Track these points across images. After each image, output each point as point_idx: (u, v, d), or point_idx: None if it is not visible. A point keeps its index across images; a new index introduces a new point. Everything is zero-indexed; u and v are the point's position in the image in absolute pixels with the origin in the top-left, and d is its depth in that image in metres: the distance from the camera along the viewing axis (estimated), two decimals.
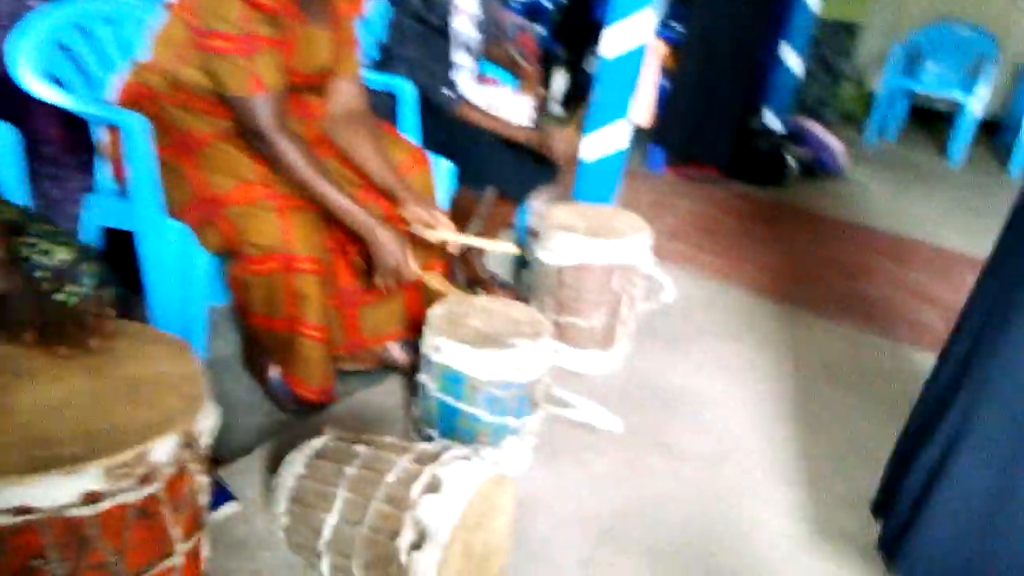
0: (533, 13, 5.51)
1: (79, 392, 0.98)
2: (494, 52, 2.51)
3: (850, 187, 4.15)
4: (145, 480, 0.93)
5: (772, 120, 4.20)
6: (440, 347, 1.49)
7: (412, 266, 1.59)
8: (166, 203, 1.56)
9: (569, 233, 1.91)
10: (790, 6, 4.04)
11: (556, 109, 4.77)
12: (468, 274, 2.39)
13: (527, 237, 2.61)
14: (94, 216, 1.73)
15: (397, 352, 1.88)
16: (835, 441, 1.87)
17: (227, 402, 1.72)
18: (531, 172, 2.21)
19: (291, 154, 1.50)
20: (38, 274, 1.17)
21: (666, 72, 3.92)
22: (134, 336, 1.12)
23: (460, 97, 2.19)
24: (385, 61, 2.23)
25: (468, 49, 2.30)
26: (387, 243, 1.57)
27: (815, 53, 4.97)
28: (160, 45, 1.58)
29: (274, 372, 1.71)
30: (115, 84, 1.69)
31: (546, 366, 1.56)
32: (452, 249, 1.75)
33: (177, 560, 1.02)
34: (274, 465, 1.53)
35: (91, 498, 0.88)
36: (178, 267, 1.58)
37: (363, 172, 1.72)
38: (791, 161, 3.99)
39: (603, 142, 2.34)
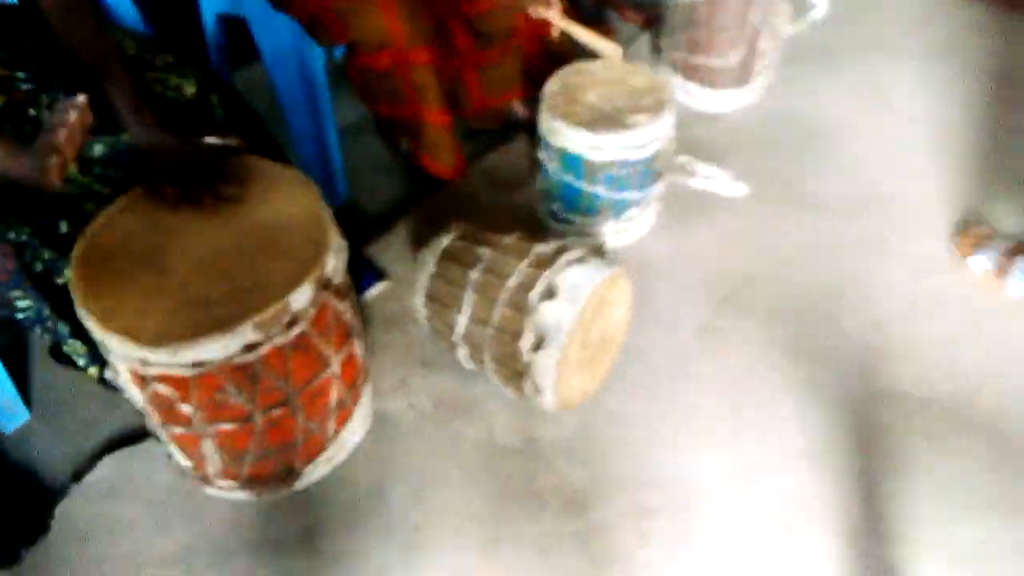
0: None
1: (222, 247, 1.10)
2: None
3: None
4: (292, 323, 1.06)
5: None
6: (557, 129, 1.46)
7: None
8: None
9: None
10: None
11: None
12: None
13: None
14: (210, 1, 1.73)
15: (521, 110, 1.85)
16: (1007, 186, 1.67)
17: (362, 170, 1.84)
18: None
19: None
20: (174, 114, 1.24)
21: None
22: (261, 176, 1.19)
23: None
24: None
25: None
26: None
27: None
28: None
29: (405, 145, 1.76)
30: None
31: (668, 138, 1.50)
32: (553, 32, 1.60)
33: (334, 368, 1.19)
34: (416, 239, 1.67)
35: (250, 348, 1.03)
36: (297, 62, 1.59)
37: None
38: None
39: None
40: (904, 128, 1.84)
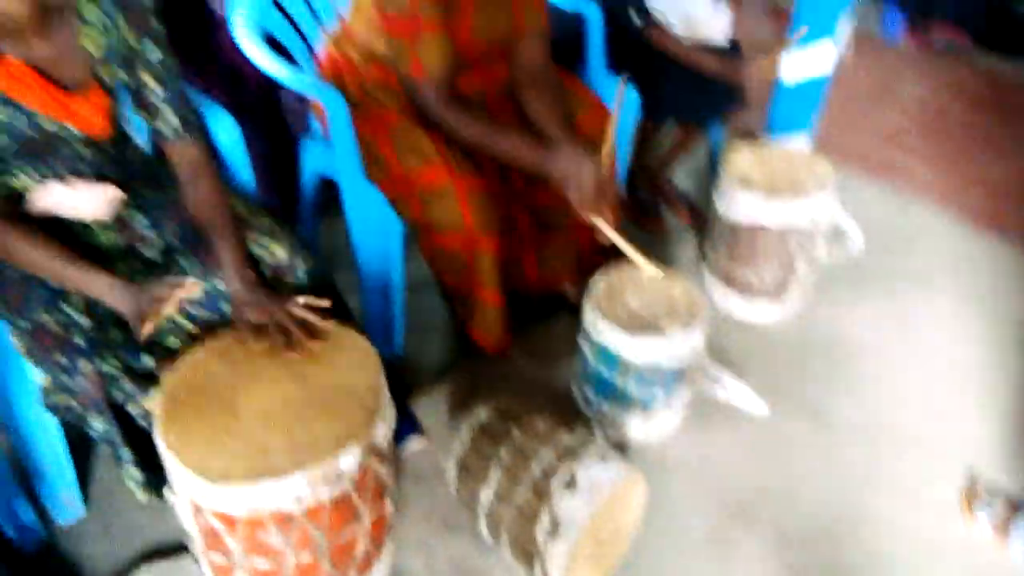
0: None
1: (289, 401, 1.24)
2: None
3: None
4: (337, 481, 1.19)
5: None
6: (597, 325, 1.61)
7: (608, 184, 1.61)
8: (367, 172, 1.75)
9: (745, 190, 1.88)
10: None
11: None
12: (653, 188, 2.43)
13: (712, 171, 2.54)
14: (310, 162, 1.97)
15: (571, 292, 2.02)
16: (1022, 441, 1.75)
17: (420, 325, 2.01)
18: (718, 100, 2.14)
19: (459, 124, 1.61)
20: (263, 272, 1.43)
21: None
22: (334, 339, 1.35)
23: (650, 20, 2.12)
24: None
25: None
26: (566, 167, 1.57)
27: None
28: (355, 8, 1.70)
29: (460, 312, 1.93)
30: (322, 44, 1.84)
31: (698, 348, 1.64)
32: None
33: (365, 523, 1.30)
34: (456, 403, 1.80)
35: (297, 499, 1.15)
36: (378, 228, 1.79)
37: (539, 130, 1.77)
38: None
39: (804, 64, 2.17)
40: (929, 363, 1.94)
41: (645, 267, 1.68)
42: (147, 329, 1.26)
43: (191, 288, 1.29)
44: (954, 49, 3.45)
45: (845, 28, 2.16)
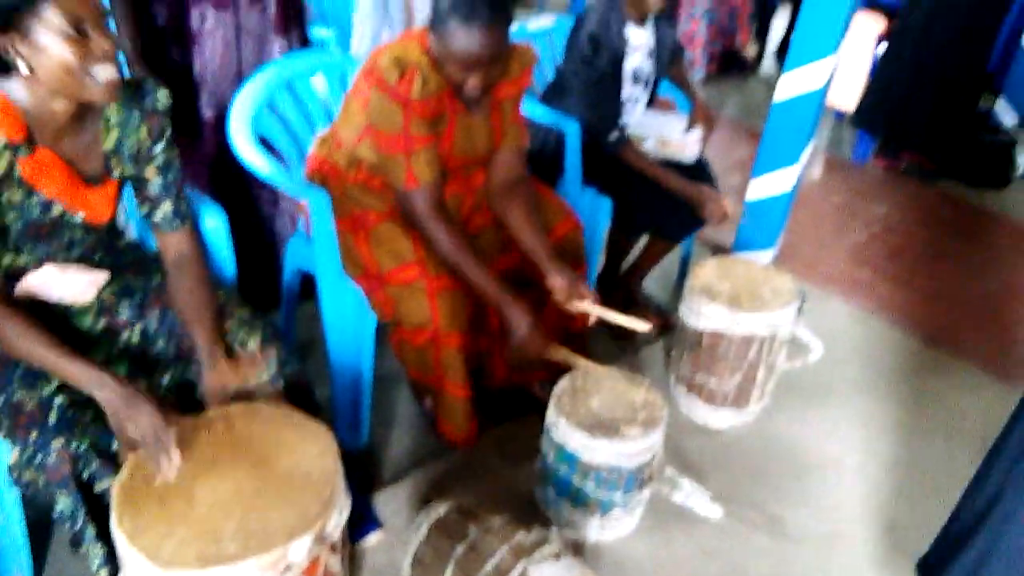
0: None
1: (245, 488, 1.27)
2: (671, 73, 2.50)
3: None
4: (286, 570, 1.20)
5: (1006, 112, 3.75)
6: (558, 425, 1.66)
7: (543, 345, 1.74)
8: (344, 267, 1.82)
9: (710, 301, 1.96)
10: None
11: (770, 69, 4.56)
12: (624, 294, 2.51)
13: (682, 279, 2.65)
14: (292, 255, 2.05)
15: (539, 391, 2.07)
16: None
17: (387, 418, 2.04)
18: (686, 217, 2.25)
19: (441, 237, 1.69)
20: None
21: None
22: (295, 428, 1.38)
23: (625, 139, 2.25)
24: (554, 96, 2.33)
25: (641, 81, 2.33)
26: (516, 322, 1.70)
27: None
28: (344, 117, 1.81)
29: (428, 404, 1.98)
30: (312, 147, 1.95)
31: (657, 451, 1.68)
32: (590, 320, 1.85)
33: None
34: (419, 497, 1.82)
35: None
36: (352, 321, 1.85)
37: (515, 239, 1.87)
38: (1022, 162, 3.58)
39: (768, 186, 2.30)
40: (885, 474, 1.98)
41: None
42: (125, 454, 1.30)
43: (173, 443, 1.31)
44: (920, 173, 3.64)
45: (808, 152, 2.29)
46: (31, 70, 1.23)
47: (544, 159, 2.30)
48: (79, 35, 1.22)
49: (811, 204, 3.29)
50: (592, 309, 1.81)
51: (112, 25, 1.33)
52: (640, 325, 1.78)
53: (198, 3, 1.93)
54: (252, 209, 2.21)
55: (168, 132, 1.45)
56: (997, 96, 3.90)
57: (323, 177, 1.84)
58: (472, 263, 1.71)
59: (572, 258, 1.94)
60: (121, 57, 1.42)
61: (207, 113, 2.05)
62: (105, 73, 1.26)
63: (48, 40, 1.21)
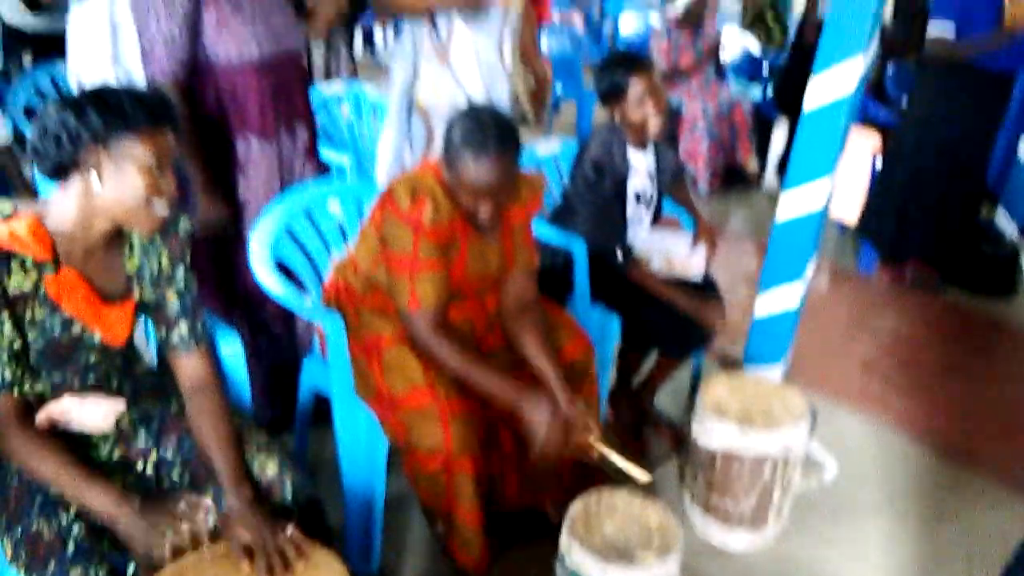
0: (751, 77, 5.46)
1: None
2: (674, 192, 2.59)
3: None
4: None
5: (1006, 221, 3.83)
6: (572, 551, 1.64)
7: (567, 438, 1.73)
8: (357, 390, 1.85)
9: (720, 420, 1.97)
10: None
11: (772, 183, 4.68)
12: (637, 410, 2.51)
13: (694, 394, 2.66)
14: (308, 377, 2.09)
15: (552, 513, 2.04)
16: None
17: (402, 541, 2.01)
18: (694, 335, 2.28)
19: (445, 352, 1.73)
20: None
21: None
22: (311, 558, 1.37)
23: (631, 258, 2.31)
24: (561, 217, 2.41)
25: (643, 201, 2.41)
26: (537, 414, 1.70)
27: None
28: (360, 242, 1.88)
29: (440, 529, 1.95)
30: (330, 272, 2.02)
31: None
32: (592, 454, 1.84)
33: None
34: None
35: None
36: (365, 445, 1.86)
37: (526, 362, 1.89)
38: None
39: (774, 302, 2.34)
40: None
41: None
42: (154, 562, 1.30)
43: (202, 522, 1.33)
44: (925, 283, 3.68)
45: (812, 267, 2.34)
46: (101, 185, 1.30)
47: (554, 277, 2.36)
48: (158, 171, 1.31)
49: (819, 315, 3.32)
50: (597, 445, 1.80)
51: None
52: (640, 475, 1.75)
53: (244, 134, 2.05)
54: (269, 328, 2.26)
55: (188, 256, 1.51)
56: (996, 206, 3.99)
57: (339, 301, 1.90)
58: (481, 369, 1.74)
59: (583, 378, 1.97)
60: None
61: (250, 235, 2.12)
62: (162, 209, 1.34)
63: (130, 166, 1.30)
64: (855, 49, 2.05)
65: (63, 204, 1.34)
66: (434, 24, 2.39)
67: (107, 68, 2.60)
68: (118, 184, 1.31)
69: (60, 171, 1.32)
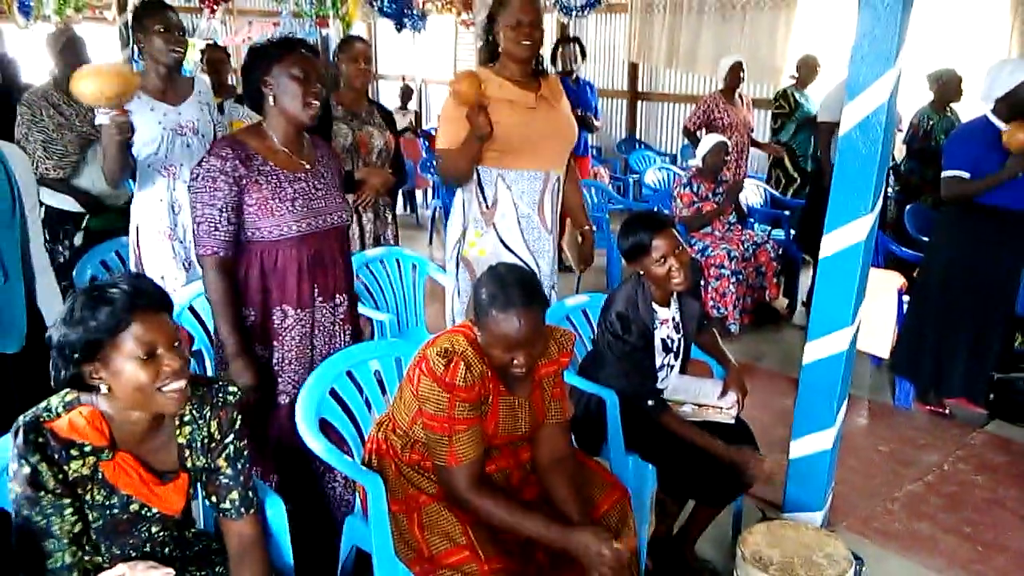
0: (774, 220, 5.62)
1: None
2: (700, 340, 2.67)
3: None
4: None
5: None
6: None
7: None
8: (397, 549, 1.89)
9: (762, 572, 1.95)
10: None
11: (802, 316, 4.72)
12: (678, 559, 2.48)
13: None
14: (349, 534, 2.13)
15: None
16: None
17: None
18: (730, 482, 2.29)
19: (486, 504, 1.78)
20: None
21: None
22: None
23: (663, 406, 2.36)
24: (591, 367, 2.49)
25: (670, 351, 2.49)
26: (587, 547, 1.71)
27: None
28: (399, 401, 1.97)
29: None
30: (371, 429, 2.10)
31: None
32: None
33: None
34: None
35: None
36: None
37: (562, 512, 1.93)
38: None
39: (809, 445, 2.36)
40: None
41: None
42: None
43: None
44: (966, 416, 3.63)
45: (843, 410, 2.37)
46: (110, 390, 1.42)
47: (588, 425, 2.41)
48: (152, 358, 1.41)
49: (860, 453, 3.29)
50: None
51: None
52: None
53: (280, 304, 2.20)
54: (314, 486, 2.33)
55: (239, 423, 1.61)
56: None
57: (380, 458, 1.97)
58: (526, 517, 1.78)
59: (620, 527, 1.98)
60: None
61: (282, 399, 2.24)
62: (174, 387, 1.44)
63: (123, 365, 1.41)
64: (861, 211, 2.18)
65: (104, 406, 1.46)
66: (481, 190, 2.60)
67: (164, 244, 2.83)
68: (122, 383, 1.41)
69: (74, 384, 1.43)
